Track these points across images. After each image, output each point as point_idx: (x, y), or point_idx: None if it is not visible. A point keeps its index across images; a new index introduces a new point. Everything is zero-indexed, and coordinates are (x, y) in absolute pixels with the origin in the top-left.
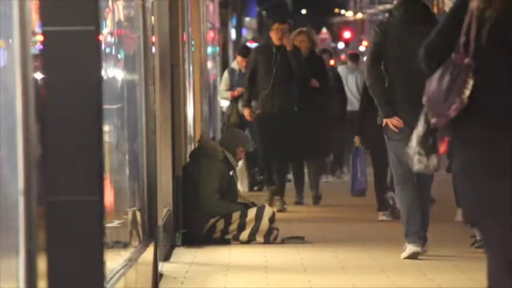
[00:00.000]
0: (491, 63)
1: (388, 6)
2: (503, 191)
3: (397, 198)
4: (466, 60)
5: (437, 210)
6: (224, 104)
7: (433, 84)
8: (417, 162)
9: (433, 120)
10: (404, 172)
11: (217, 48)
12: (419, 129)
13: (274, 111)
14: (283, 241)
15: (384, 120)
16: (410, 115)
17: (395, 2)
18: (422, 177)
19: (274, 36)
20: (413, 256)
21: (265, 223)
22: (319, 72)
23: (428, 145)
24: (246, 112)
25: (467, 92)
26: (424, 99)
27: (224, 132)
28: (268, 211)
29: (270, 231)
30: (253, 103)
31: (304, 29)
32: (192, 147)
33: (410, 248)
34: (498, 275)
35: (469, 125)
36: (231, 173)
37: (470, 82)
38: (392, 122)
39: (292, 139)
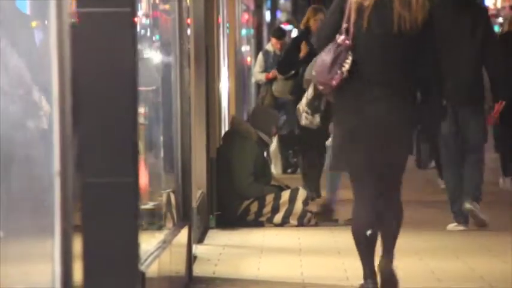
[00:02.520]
0: (367, 44)
1: None
2: (369, 151)
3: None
4: (347, 41)
5: None
6: (261, 76)
7: (321, 59)
8: (304, 119)
9: (320, 88)
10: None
11: (252, 31)
12: (309, 93)
13: None
14: (317, 224)
15: None
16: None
17: None
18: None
19: None
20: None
21: (298, 206)
22: None
23: (314, 106)
24: None
25: (347, 66)
26: (313, 71)
27: (253, 113)
28: (301, 194)
29: (303, 213)
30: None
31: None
32: (227, 130)
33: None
34: (359, 218)
35: (345, 93)
36: (265, 154)
37: (350, 58)
38: None
39: None
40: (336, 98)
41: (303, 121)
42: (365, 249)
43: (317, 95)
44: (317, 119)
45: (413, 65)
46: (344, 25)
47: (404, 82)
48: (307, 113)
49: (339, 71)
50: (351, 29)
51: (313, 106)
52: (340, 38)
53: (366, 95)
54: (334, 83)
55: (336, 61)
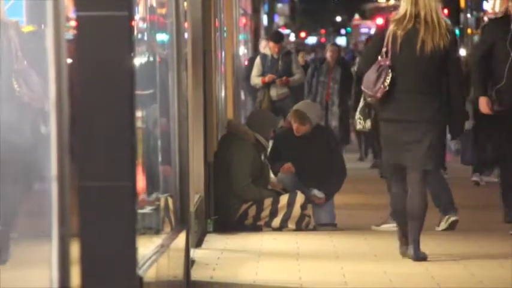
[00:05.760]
0: (401, 63)
1: None
2: (408, 148)
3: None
4: (387, 62)
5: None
6: (257, 80)
7: (367, 77)
8: (358, 124)
9: (368, 99)
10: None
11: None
12: (361, 103)
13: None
14: (315, 228)
15: None
16: None
17: None
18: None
19: None
20: None
21: (297, 210)
22: None
23: (365, 113)
24: (484, 101)
25: (388, 81)
26: (362, 86)
27: (251, 116)
28: (300, 198)
29: (301, 218)
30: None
31: None
32: (224, 134)
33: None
34: (394, 196)
35: (388, 102)
36: (262, 157)
37: (390, 75)
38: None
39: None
40: (380, 106)
41: (358, 126)
42: (400, 220)
43: (366, 104)
44: (368, 123)
45: (440, 77)
46: (384, 49)
47: (432, 91)
48: (360, 119)
49: (381, 86)
50: (389, 52)
51: (364, 113)
52: (381, 59)
53: (403, 102)
54: (379, 95)
55: (379, 78)
